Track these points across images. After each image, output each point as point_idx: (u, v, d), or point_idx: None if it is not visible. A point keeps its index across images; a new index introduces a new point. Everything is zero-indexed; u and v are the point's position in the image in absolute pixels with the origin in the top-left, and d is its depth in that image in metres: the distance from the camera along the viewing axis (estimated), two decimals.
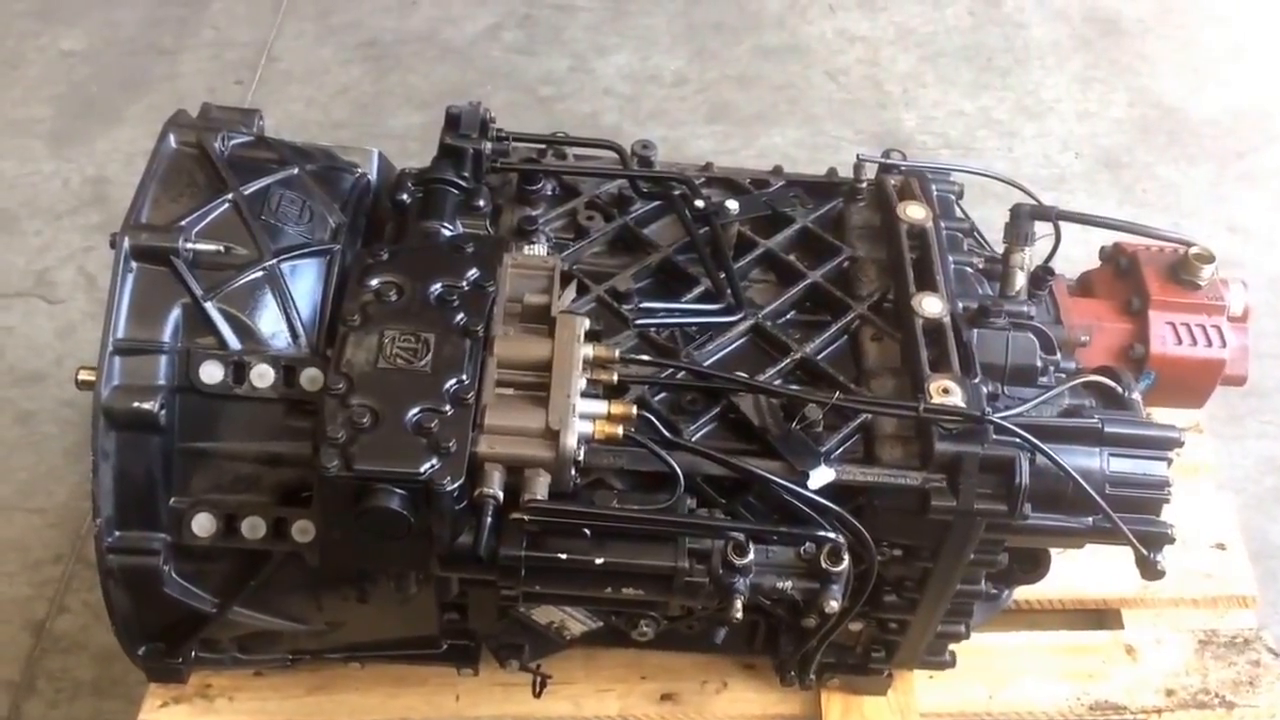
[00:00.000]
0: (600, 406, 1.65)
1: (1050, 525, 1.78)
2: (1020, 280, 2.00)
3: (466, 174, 1.93)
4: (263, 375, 1.65)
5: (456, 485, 1.52)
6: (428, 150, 1.99)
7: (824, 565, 1.66)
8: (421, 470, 1.52)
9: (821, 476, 1.70)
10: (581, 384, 1.65)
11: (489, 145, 1.96)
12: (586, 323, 1.72)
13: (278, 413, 1.67)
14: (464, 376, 1.60)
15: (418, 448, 1.53)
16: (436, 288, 1.69)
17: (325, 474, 1.51)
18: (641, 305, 1.91)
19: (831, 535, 1.66)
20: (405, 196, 1.89)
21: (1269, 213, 3.45)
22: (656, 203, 2.06)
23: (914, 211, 1.99)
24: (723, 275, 1.93)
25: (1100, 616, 2.35)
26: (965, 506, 1.71)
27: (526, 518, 1.56)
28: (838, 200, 2.11)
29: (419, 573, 1.71)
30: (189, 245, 1.64)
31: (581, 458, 1.62)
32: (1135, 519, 1.77)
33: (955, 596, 1.88)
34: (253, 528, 1.67)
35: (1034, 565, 1.95)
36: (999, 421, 1.70)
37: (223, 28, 3.97)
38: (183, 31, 3.95)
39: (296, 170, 1.82)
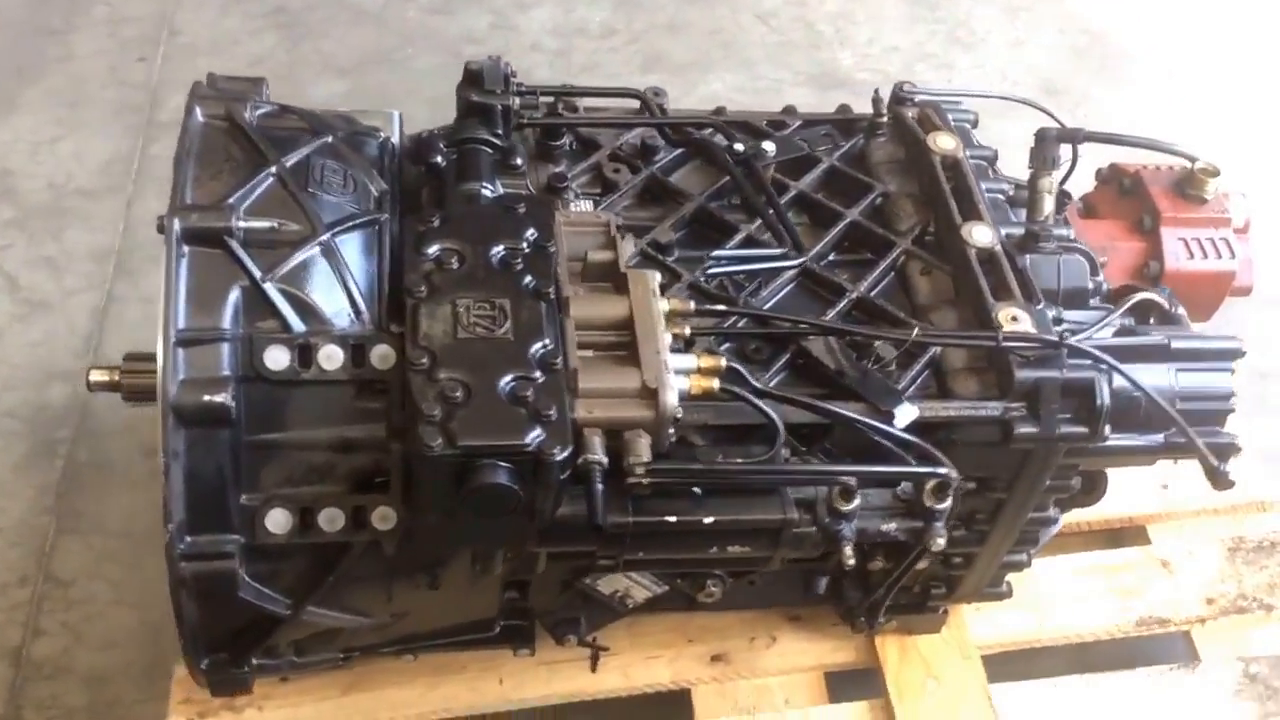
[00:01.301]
0: (689, 361, 1.59)
1: (1126, 445, 1.78)
2: (1049, 205, 1.98)
3: (499, 131, 1.83)
4: (331, 357, 1.54)
5: (566, 454, 1.44)
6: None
7: (928, 503, 1.63)
8: (528, 441, 1.43)
9: (906, 414, 1.67)
10: (668, 339, 1.58)
11: (516, 100, 1.87)
12: (658, 276, 1.65)
13: (348, 395, 1.55)
14: (548, 341, 1.52)
15: (519, 418, 1.44)
16: (498, 251, 1.60)
17: (428, 454, 1.40)
18: (687, 255, 1.85)
19: (941, 471, 1.62)
20: (439, 159, 1.79)
21: (1206, 130, 3.50)
22: (680, 150, 2.00)
23: (944, 142, 1.97)
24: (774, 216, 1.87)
25: (1123, 534, 2.37)
26: (1048, 433, 1.70)
27: (645, 480, 1.48)
28: (858, 137, 2.08)
29: (514, 550, 1.63)
30: (241, 224, 1.52)
31: (680, 415, 1.55)
32: (1204, 432, 1.79)
33: (1025, 525, 1.88)
34: (331, 520, 1.55)
35: (1093, 487, 1.95)
36: (1076, 345, 1.69)
37: (115, 3, 3.72)
38: (72, 10, 3.68)
39: (330, 138, 1.70)
